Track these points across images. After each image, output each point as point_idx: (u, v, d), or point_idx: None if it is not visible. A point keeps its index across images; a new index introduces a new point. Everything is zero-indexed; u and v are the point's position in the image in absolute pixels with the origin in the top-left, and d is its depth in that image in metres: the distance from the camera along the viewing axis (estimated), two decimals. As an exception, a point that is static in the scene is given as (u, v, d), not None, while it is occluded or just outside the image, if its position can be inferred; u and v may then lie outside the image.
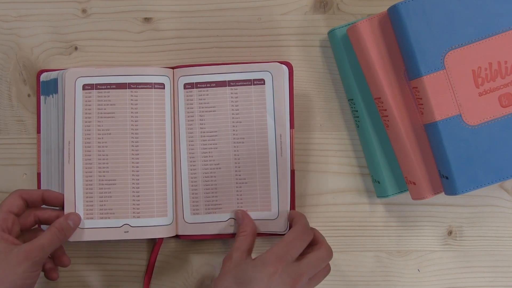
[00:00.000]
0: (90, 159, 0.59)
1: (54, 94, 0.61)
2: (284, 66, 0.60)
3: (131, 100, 0.60)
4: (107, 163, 0.60)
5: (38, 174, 0.62)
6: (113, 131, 0.60)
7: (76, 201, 0.59)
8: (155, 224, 0.59)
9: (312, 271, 0.53)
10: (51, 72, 0.61)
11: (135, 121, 0.60)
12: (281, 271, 0.51)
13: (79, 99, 0.59)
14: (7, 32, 0.62)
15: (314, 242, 0.55)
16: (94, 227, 0.59)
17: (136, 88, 0.60)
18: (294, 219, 0.57)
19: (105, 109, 0.60)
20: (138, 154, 0.59)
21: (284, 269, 0.51)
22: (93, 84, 0.60)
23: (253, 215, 0.60)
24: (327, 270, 0.55)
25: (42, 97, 0.62)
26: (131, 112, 0.60)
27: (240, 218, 0.59)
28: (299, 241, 0.53)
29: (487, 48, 0.53)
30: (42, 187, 0.62)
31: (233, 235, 0.60)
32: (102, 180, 0.59)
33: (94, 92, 0.60)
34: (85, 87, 0.59)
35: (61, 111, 0.60)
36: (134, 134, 0.60)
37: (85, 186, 0.59)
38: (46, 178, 0.62)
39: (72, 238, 0.58)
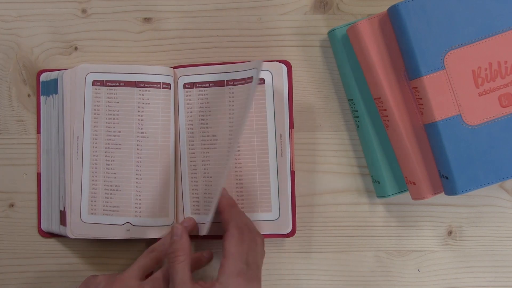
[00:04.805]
0: (96, 155, 0.60)
1: (54, 94, 0.61)
2: (283, 65, 0.60)
3: (139, 98, 0.60)
4: (113, 160, 0.60)
5: (38, 174, 0.62)
6: (120, 129, 0.60)
7: (82, 196, 0.59)
8: (156, 224, 0.59)
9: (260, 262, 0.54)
10: (51, 72, 0.61)
11: (141, 119, 0.60)
12: (244, 284, 0.51)
13: (89, 94, 0.59)
14: (7, 32, 0.63)
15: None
16: (96, 223, 0.59)
17: (144, 87, 0.60)
18: (223, 215, 0.55)
19: (114, 106, 0.60)
20: (142, 154, 0.59)
21: (247, 280, 0.51)
22: (103, 80, 0.60)
23: (254, 216, 0.60)
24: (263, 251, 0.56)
25: (42, 97, 0.62)
26: (138, 111, 0.60)
27: (178, 234, 0.53)
28: (245, 246, 0.52)
29: (487, 48, 0.53)
30: (42, 187, 0.62)
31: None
32: (107, 177, 0.60)
33: (104, 88, 0.60)
34: (94, 83, 0.59)
35: (61, 111, 0.60)
36: (140, 133, 0.60)
37: (91, 181, 0.59)
38: (46, 178, 0.62)
39: (74, 235, 0.58)
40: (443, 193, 0.56)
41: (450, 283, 0.62)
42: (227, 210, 0.56)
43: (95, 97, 0.60)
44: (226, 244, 0.53)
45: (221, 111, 0.60)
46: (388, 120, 0.58)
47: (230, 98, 0.60)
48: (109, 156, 0.60)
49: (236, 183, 0.60)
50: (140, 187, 0.59)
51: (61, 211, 0.60)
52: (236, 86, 0.60)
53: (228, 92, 0.60)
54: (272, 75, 0.60)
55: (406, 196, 0.61)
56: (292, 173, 0.60)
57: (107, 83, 0.60)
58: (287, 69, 0.60)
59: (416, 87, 0.54)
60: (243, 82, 0.60)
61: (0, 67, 0.63)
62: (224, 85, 0.60)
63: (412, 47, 0.53)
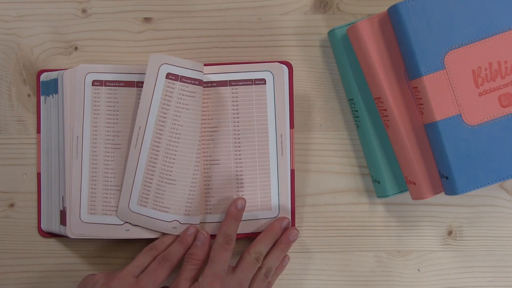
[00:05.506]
0: (96, 155, 0.59)
1: (54, 94, 0.61)
2: (284, 66, 0.60)
3: (139, 98, 0.60)
4: (113, 160, 0.60)
5: (38, 174, 0.62)
6: (119, 129, 0.60)
7: (81, 196, 0.59)
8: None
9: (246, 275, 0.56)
10: (51, 72, 0.61)
11: None
12: (219, 286, 0.54)
13: (88, 94, 0.59)
14: (7, 32, 0.63)
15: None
16: (96, 223, 0.59)
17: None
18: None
19: (113, 106, 0.60)
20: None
21: (223, 285, 0.54)
22: (102, 80, 0.60)
23: (254, 214, 0.60)
24: (282, 265, 0.60)
25: (42, 97, 0.62)
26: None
27: (202, 241, 0.58)
28: (223, 252, 0.56)
29: (487, 48, 0.53)
30: (42, 187, 0.62)
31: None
32: (107, 177, 0.59)
33: (103, 88, 0.60)
34: (94, 83, 0.59)
35: (61, 111, 0.60)
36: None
37: (90, 181, 0.59)
38: (46, 178, 0.62)
39: (74, 235, 0.58)
40: (443, 193, 0.56)
41: (450, 283, 0.62)
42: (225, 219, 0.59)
43: (95, 97, 0.60)
44: (211, 250, 0.57)
45: (224, 111, 0.60)
46: (388, 120, 0.58)
47: (233, 98, 0.60)
48: (108, 156, 0.60)
49: (237, 181, 0.60)
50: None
51: (61, 211, 0.60)
52: (240, 86, 0.60)
53: (231, 92, 0.60)
54: (273, 76, 0.60)
55: (406, 196, 0.61)
56: (292, 172, 0.60)
57: (107, 83, 0.60)
58: (288, 70, 0.61)
59: (416, 87, 0.54)
60: (249, 83, 0.60)
61: (0, 67, 0.63)
62: (226, 85, 0.60)
63: (412, 47, 0.53)
